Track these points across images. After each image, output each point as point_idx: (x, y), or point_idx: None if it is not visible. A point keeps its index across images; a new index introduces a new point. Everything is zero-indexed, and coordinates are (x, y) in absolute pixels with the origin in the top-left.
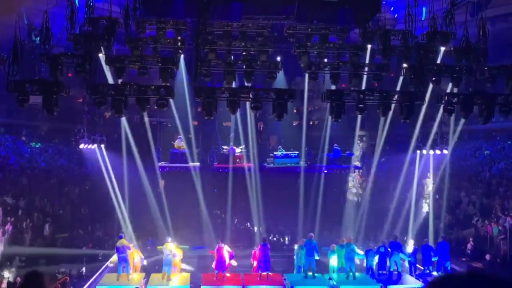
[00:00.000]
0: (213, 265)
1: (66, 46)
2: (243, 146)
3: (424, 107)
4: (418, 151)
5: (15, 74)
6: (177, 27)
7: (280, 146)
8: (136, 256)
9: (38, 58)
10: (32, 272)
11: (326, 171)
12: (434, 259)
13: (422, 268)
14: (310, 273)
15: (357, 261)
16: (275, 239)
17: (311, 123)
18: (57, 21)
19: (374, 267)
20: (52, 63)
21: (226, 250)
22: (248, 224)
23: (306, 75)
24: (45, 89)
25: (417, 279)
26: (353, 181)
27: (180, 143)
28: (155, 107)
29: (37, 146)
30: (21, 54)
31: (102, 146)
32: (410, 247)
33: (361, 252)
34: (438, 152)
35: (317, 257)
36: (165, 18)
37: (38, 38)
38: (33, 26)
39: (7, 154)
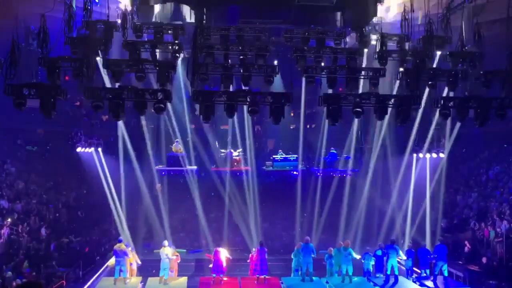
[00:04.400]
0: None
1: (64, 50)
2: (241, 149)
3: (420, 111)
4: (415, 155)
5: (12, 77)
6: (174, 31)
7: (280, 150)
8: (133, 260)
9: (35, 62)
10: (30, 283)
11: (322, 175)
12: (432, 262)
13: (419, 271)
14: (307, 277)
15: (357, 256)
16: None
17: (308, 126)
18: (54, 25)
19: (371, 271)
20: (50, 66)
21: (224, 255)
22: (245, 227)
23: (303, 79)
24: (42, 92)
25: (414, 282)
26: None
27: (177, 147)
28: (152, 111)
29: (33, 149)
30: (19, 57)
31: (99, 149)
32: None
33: (358, 256)
34: (434, 155)
35: (313, 255)
36: (162, 22)
37: (35, 42)
38: (30, 29)
39: (3, 157)
